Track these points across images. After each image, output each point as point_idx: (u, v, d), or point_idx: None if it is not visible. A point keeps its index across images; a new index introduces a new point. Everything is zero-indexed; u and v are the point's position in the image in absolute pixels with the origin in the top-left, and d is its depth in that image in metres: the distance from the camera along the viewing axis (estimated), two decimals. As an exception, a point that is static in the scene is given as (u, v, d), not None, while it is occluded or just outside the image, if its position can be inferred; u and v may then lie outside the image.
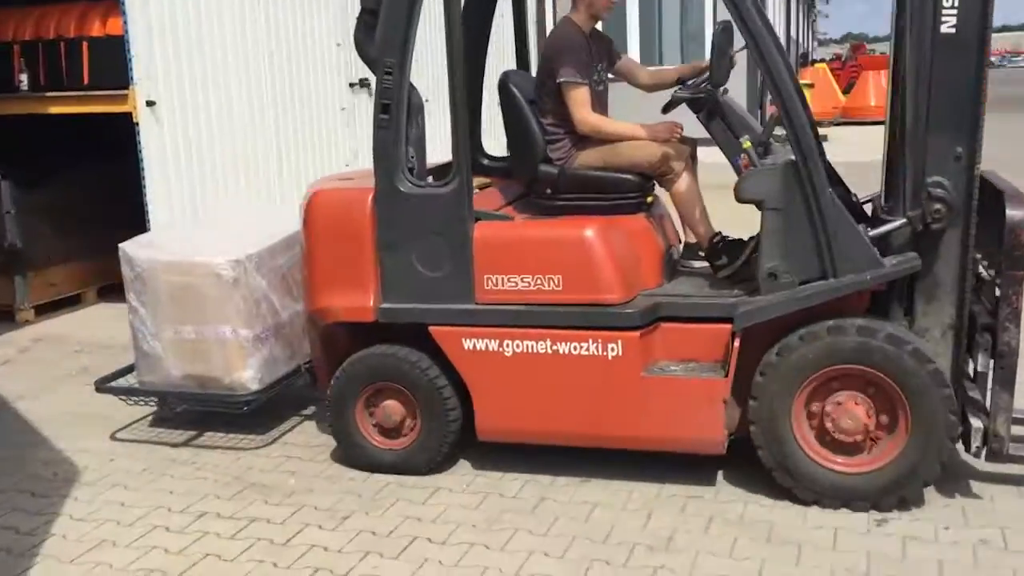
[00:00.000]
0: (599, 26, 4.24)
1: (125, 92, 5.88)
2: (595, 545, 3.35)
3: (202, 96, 6.41)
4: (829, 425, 3.48)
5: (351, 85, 8.10)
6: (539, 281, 3.68)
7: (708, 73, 3.92)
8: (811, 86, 18.46)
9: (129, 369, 4.64)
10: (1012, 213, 3.30)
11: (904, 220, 3.47)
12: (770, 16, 17.70)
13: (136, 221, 5.87)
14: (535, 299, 3.70)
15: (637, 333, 3.61)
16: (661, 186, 4.08)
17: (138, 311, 4.33)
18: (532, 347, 3.70)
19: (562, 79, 3.92)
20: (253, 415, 4.40)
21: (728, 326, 3.56)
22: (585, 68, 3.98)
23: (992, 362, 3.45)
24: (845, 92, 21.72)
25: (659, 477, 3.78)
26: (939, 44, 3.39)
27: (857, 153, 14.76)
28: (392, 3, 3.70)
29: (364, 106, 8.26)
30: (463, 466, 4.03)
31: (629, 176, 3.94)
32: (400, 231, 3.78)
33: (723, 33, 3.80)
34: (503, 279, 3.71)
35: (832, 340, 3.41)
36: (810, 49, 42.18)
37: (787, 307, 3.51)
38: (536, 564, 3.24)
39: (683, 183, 3.99)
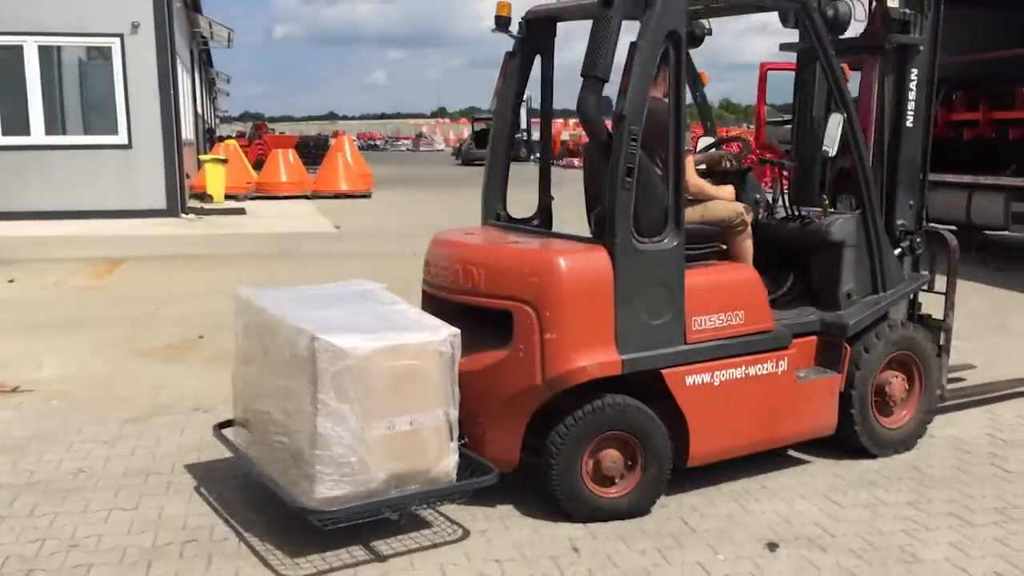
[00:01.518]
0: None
1: None
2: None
3: None
4: (888, 393, 4.76)
5: None
6: (728, 318, 4.26)
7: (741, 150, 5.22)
8: (225, 162, 19.15)
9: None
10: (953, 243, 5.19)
11: (901, 250, 4.97)
12: (183, 92, 17.99)
13: None
14: (727, 333, 4.25)
15: (794, 350, 4.44)
16: (727, 237, 4.68)
17: (336, 412, 3.53)
18: (732, 374, 4.25)
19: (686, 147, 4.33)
20: None
21: (811, 337, 4.62)
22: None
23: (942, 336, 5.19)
24: (255, 168, 22.79)
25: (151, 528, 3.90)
26: (904, 133, 4.94)
27: (278, 225, 15.77)
28: (640, 76, 3.93)
29: None
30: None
31: (716, 229, 4.58)
32: (634, 285, 4.01)
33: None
34: (705, 319, 4.20)
35: (910, 331, 4.86)
36: (215, 125, 43.17)
37: (874, 316, 4.72)
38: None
39: (748, 233, 4.70)
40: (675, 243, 4.10)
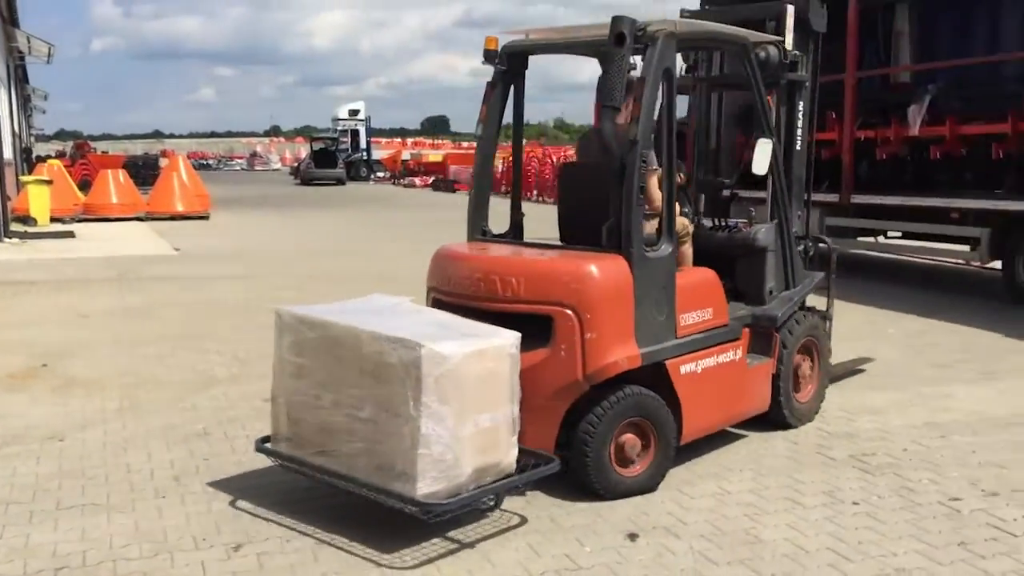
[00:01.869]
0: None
1: None
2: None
3: None
4: (800, 373, 5.60)
5: None
6: (703, 314, 4.86)
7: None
8: (50, 183, 18.28)
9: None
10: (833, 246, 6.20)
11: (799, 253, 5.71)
12: (1, 111, 17.04)
13: None
14: (703, 327, 4.86)
15: (744, 340, 5.14)
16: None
17: (436, 413, 3.81)
18: (709, 362, 4.87)
19: (654, 166, 4.80)
20: None
21: (746, 329, 5.20)
22: None
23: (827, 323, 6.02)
24: (81, 189, 21.85)
25: (19, 556, 3.78)
26: (794, 155, 5.78)
27: (112, 248, 15.18)
28: (647, 106, 4.45)
29: None
30: None
31: None
32: (645, 288, 4.52)
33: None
34: (688, 315, 4.77)
35: (812, 320, 5.72)
36: (31, 145, 40.80)
37: (792, 308, 5.50)
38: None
39: (689, 242, 5.28)
40: (669, 251, 4.70)
